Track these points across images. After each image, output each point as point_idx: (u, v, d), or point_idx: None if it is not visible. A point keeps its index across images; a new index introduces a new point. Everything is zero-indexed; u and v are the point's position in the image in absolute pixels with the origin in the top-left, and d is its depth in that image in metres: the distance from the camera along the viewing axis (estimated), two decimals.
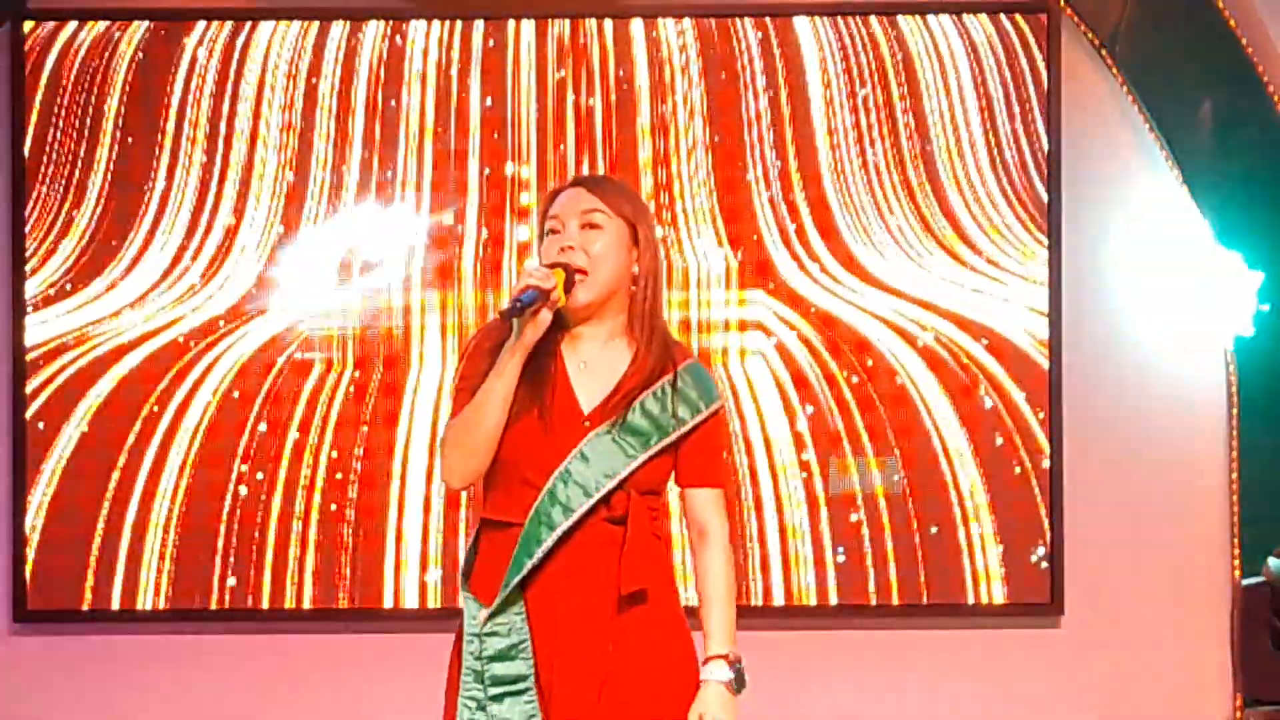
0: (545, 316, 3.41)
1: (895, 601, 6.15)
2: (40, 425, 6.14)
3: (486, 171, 6.16)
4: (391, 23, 6.18)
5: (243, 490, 6.14)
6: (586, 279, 3.46)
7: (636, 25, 6.19)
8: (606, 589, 3.43)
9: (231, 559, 6.13)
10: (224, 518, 6.13)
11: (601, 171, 6.11)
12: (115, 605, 6.13)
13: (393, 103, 6.17)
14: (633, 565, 3.43)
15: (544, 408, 3.44)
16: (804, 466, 6.16)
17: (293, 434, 6.14)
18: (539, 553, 3.41)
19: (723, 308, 6.17)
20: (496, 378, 3.41)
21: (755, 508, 6.13)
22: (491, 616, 3.42)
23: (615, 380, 3.48)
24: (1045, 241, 6.16)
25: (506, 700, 3.42)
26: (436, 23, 6.17)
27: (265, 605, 6.13)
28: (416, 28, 6.18)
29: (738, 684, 3.47)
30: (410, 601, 6.11)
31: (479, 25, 6.17)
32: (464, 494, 5.97)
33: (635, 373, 3.48)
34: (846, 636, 6.18)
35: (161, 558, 6.13)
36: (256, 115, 6.17)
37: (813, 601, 6.14)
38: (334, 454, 6.13)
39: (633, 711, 3.42)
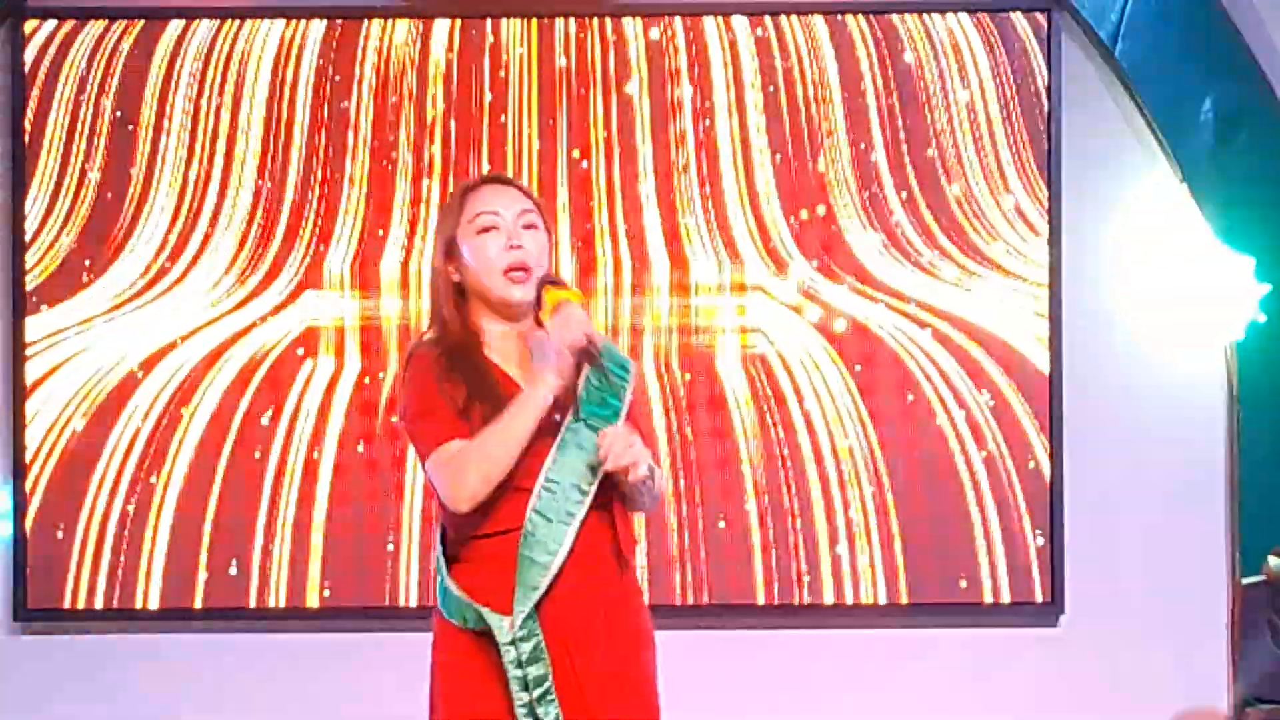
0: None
1: (895, 601, 6.15)
2: (40, 424, 6.14)
3: (486, 171, 6.17)
4: (391, 21, 6.18)
5: (243, 488, 6.14)
6: (528, 278, 3.59)
7: (636, 25, 6.18)
8: (602, 572, 3.54)
9: (232, 557, 6.13)
10: (224, 516, 6.13)
11: (603, 171, 6.13)
12: (115, 604, 6.13)
13: (393, 99, 6.17)
14: (629, 536, 3.61)
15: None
16: (803, 468, 6.16)
17: (294, 434, 6.14)
18: (562, 551, 3.48)
19: (723, 309, 6.16)
20: (530, 417, 3.47)
21: (756, 509, 6.13)
22: (523, 621, 3.49)
23: None
24: (1045, 241, 6.17)
25: (545, 702, 3.50)
26: (434, 22, 6.17)
27: (265, 604, 6.13)
28: (416, 26, 6.18)
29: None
30: (412, 600, 6.10)
31: (479, 24, 6.17)
32: None
33: None
34: (846, 636, 6.18)
35: (162, 556, 6.13)
36: (255, 113, 6.17)
37: (811, 601, 6.15)
38: (336, 452, 6.13)
39: (629, 694, 3.54)
